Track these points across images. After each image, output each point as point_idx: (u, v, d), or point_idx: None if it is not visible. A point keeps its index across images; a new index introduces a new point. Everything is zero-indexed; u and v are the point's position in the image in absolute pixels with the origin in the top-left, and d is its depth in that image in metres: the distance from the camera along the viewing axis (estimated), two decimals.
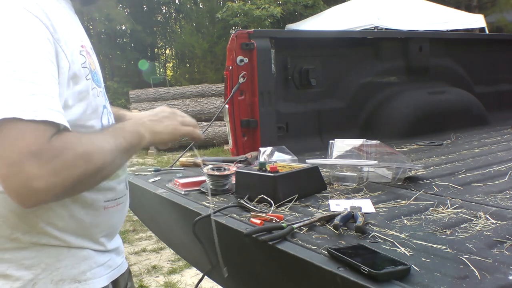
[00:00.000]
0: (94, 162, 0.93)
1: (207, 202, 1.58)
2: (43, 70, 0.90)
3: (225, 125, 2.84)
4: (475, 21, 10.43)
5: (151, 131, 1.11)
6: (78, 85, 1.02)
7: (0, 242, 1.00)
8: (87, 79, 1.05)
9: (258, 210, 1.42)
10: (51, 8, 0.99)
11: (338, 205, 1.43)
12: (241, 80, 2.49)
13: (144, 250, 4.13)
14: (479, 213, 1.32)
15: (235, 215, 1.41)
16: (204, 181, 1.77)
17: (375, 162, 1.75)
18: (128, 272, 1.29)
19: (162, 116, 1.16)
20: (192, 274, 3.54)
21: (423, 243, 1.09)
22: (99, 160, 0.94)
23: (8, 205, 0.96)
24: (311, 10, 13.70)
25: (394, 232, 1.18)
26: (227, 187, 1.71)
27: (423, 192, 1.59)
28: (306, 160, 1.97)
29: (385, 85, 3.17)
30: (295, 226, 1.22)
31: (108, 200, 1.14)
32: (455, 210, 1.36)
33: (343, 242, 1.13)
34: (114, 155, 0.98)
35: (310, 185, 1.64)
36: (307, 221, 1.25)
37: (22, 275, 1.01)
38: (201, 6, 16.71)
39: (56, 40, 0.96)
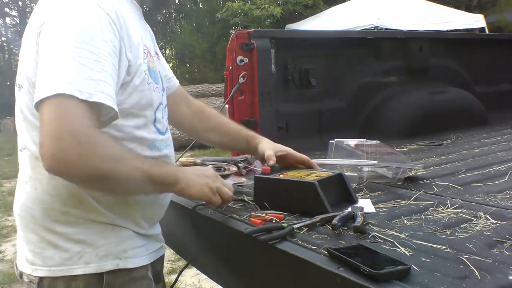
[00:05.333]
0: (118, 171, 1.04)
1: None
2: (104, 60, 1.03)
3: None
4: (475, 21, 10.43)
5: (187, 182, 1.19)
6: (136, 78, 1.16)
7: (52, 214, 1.15)
8: (145, 74, 1.19)
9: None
10: (121, 10, 1.15)
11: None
12: (241, 80, 2.49)
13: None
14: (479, 213, 1.32)
15: (235, 215, 1.41)
16: None
17: (375, 162, 1.75)
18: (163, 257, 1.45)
19: (204, 175, 1.26)
20: (192, 274, 3.54)
21: (423, 243, 1.09)
22: (124, 170, 1.06)
23: (62, 180, 1.06)
24: (311, 10, 13.69)
25: (394, 232, 1.18)
26: None
27: (423, 192, 1.59)
28: None
29: (385, 85, 3.17)
30: (295, 226, 1.22)
31: None
32: (455, 210, 1.36)
33: (343, 242, 1.13)
34: (141, 178, 1.09)
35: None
36: (308, 222, 1.25)
37: (70, 247, 1.15)
38: (201, 6, 16.71)
39: (122, 37, 1.10)
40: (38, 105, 1.00)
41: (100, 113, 1.04)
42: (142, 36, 1.24)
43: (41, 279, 1.16)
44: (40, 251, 1.17)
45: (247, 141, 1.70)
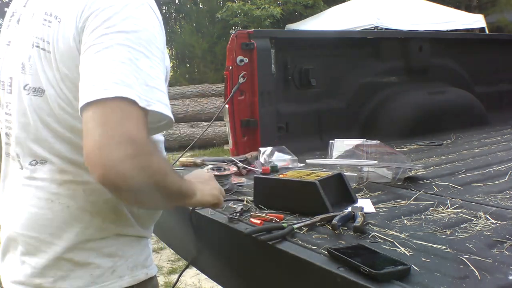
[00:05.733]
0: (166, 182, 0.95)
1: None
2: (156, 67, 0.94)
3: (225, 125, 2.84)
4: (475, 21, 10.43)
5: (201, 192, 1.13)
6: (167, 81, 1.06)
7: (89, 233, 1.02)
8: (168, 76, 1.10)
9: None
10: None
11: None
12: (241, 80, 2.49)
13: None
14: (479, 213, 1.32)
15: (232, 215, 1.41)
16: None
17: (375, 162, 1.75)
18: None
19: (205, 180, 1.22)
20: (192, 274, 3.54)
21: (423, 243, 1.09)
22: (169, 184, 0.96)
23: (101, 195, 0.99)
24: (311, 10, 13.68)
25: (394, 232, 1.18)
26: (227, 187, 1.71)
27: (423, 192, 1.59)
28: (306, 160, 1.98)
29: (385, 85, 3.17)
30: (295, 226, 1.22)
31: None
32: (455, 210, 1.36)
33: (343, 242, 1.13)
34: (178, 193, 1.02)
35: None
36: (308, 222, 1.25)
37: (102, 262, 1.03)
38: (201, 6, 16.70)
39: (164, 43, 1.02)
40: (88, 106, 0.86)
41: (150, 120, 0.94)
42: None
43: None
44: (65, 274, 1.02)
45: None
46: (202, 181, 1.20)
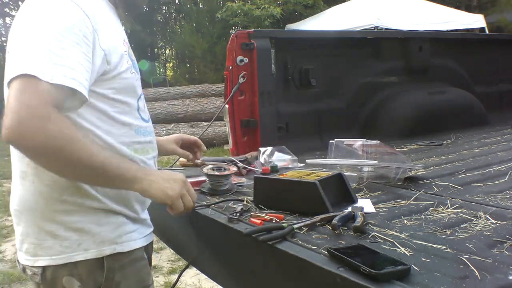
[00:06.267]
0: (69, 151, 1.07)
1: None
2: (72, 49, 1.10)
3: (225, 125, 2.84)
4: (475, 21, 10.43)
5: (149, 184, 1.22)
6: (118, 66, 1.24)
7: (51, 203, 1.21)
8: (128, 64, 1.28)
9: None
10: (97, 7, 1.23)
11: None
12: (241, 80, 2.49)
13: None
14: (479, 213, 1.32)
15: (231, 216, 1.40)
16: (204, 181, 1.77)
17: (375, 162, 1.75)
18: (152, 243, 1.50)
19: (172, 179, 1.27)
20: (192, 274, 3.54)
21: (423, 243, 1.09)
22: (76, 152, 1.08)
23: None
24: (311, 10, 13.68)
25: (394, 232, 1.18)
26: (227, 187, 1.71)
27: (423, 192, 1.59)
28: (306, 160, 1.97)
29: (385, 85, 3.17)
30: (295, 226, 1.22)
31: None
32: (455, 210, 1.36)
33: (343, 242, 1.13)
34: (93, 165, 1.12)
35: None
36: (308, 222, 1.25)
37: (69, 236, 1.22)
38: (201, 6, 16.70)
39: (95, 29, 1.17)
40: (8, 86, 1.07)
41: (67, 98, 1.10)
42: (121, 32, 1.33)
43: (44, 269, 1.23)
44: (40, 242, 1.23)
45: None
46: (165, 178, 1.26)
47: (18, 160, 1.25)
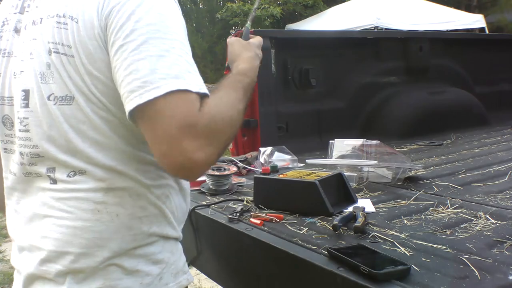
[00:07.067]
0: (236, 125, 0.94)
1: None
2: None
3: None
4: (475, 21, 10.42)
5: (254, 64, 1.16)
6: None
7: (140, 238, 0.98)
8: None
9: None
10: None
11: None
12: None
13: None
14: (479, 213, 1.32)
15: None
16: (204, 181, 1.77)
17: (375, 162, 1.75)
18: None
19: (240, 50, 1.21)
20: (192, 274, 3.53)
21: (423, 243, 1.09)
22: (239, 121, 0.95)
23: (148, 198, 0.97)
24: (311, 10, 13.67)
25: (394, 232, 1.18)
26: (227, 187, 1.71)
27: (423, 192, 1.59)
28: (306, 160, 1.97)
29: (385, 85, 3.17)
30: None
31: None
32: (455, 210, 1.36)
33: (343, 242, 1.13)
34: (244, 110, 0.99)
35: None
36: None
37: (150, 270, 0.99)
38: (201, 6, 16.70)
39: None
40: (142, 107, 0.83)
41: (199, 99, 0.90)
42: None
43: None
44: (114, 283, 0.96)
45: None
46: (250, 48, 1.21)
47: (91, 190, 0.95)
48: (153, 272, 0.99)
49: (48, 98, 0.94)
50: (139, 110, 0.84)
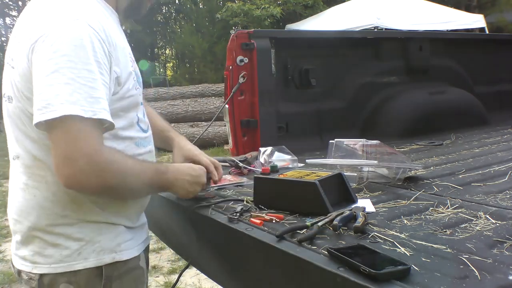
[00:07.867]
0: (127, 184, 1.20)
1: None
2: (99, 78, 1.12)
3: (225, 125, 2.84)
4: (475, 21, 10.43)
5: (178, 188, 1.39)
6: (126, 85, 1.26)
7: (52, 218, 1.23)
8: (133, 80, 1.30)
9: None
10: (105, 23, 1.20)
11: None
12: (241, 80, 2.49)
13: None
14: (479, 213, 1.32)
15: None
16: None
17: (375, 162, 1.75)
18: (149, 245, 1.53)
19: (195, 183, 1.43)
20: (192, 274, 3.54)
21: (423, 243, 1.09)
22: (129, 183, 1.21)
23: (61, 186, 1.15)
24: (311, 10, 13.68)
25: (394, 232, 1.18)
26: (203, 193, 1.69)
27: (423, 192, 1.59)
28: (306, 160, 1.97)
29: (385, 85, 3.17)
30: (319, 224, 1.20)
31: None
32: (455, 210, 1.36)
33: (343, 242, 1.13)
34: (143, 188, 1.29)
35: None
36: (326, 219, 1.24)
37: (70, 245, 1.23)
38: (201, 6, 16.70)
39: (110, 53, 1.18)
40: (44, 126, 1.08)
41: (102, 125, 1.14)
42: (126, 43, 1.33)
43: (41, 276, 1.24)
44: (40, 250, 1.24)
45: (164, 140, 1.68)
46: (190, 182, 1.41)
47: (21, 172, 1.26)
48: (72, 247, 1.23)
49: (3, 95, 1.27)
50: (41, 125, 1.09)
